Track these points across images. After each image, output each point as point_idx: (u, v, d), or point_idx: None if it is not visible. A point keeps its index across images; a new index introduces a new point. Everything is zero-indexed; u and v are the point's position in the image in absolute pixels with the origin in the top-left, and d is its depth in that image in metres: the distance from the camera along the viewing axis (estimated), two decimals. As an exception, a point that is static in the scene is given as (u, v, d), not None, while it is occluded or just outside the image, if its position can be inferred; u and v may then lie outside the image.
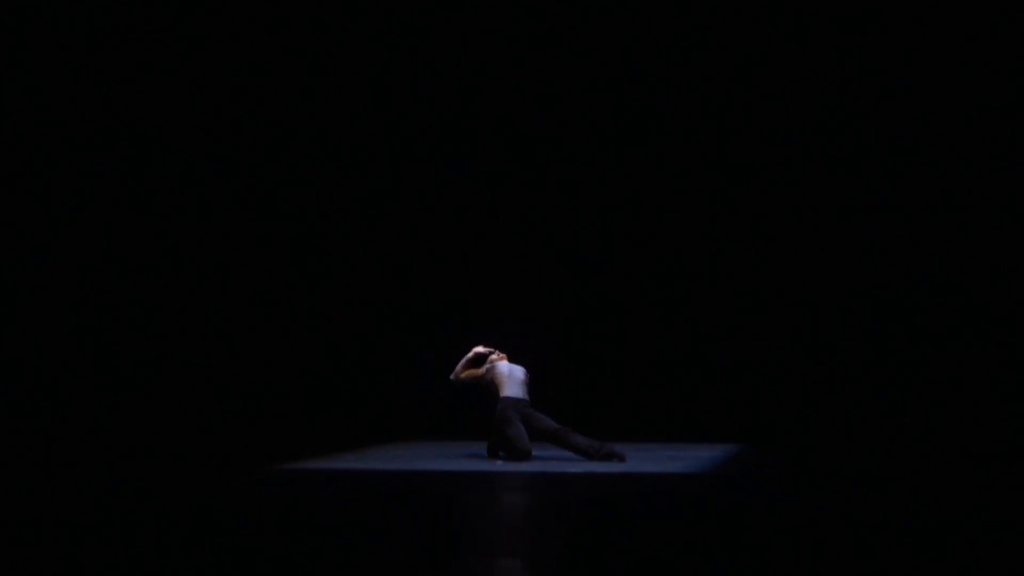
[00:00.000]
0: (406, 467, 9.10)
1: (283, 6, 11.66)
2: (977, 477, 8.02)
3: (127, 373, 10.88)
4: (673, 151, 11.93)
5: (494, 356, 9.79)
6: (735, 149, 11.79)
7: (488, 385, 9.61)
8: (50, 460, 8.97)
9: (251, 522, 6.30)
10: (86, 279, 10.85)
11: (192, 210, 11.39)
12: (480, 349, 9.84)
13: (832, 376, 11.23)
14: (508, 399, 9.41)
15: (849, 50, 11.39)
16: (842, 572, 4.85)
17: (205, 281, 11.34)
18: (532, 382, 9.67)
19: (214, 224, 11.45)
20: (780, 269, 11.55)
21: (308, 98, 11.84)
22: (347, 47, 11.90)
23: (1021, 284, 10.82)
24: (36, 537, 5.63)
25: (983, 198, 10.98)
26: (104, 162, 11.05)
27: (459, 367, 9.80)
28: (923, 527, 5.96)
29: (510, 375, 9.54)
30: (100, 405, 10.56)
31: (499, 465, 9.11)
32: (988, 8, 10.94)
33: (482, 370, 9.72)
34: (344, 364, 11.82)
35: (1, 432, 9.88)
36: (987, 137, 10.99)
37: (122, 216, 11.09)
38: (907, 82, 11.18)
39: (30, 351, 10.56)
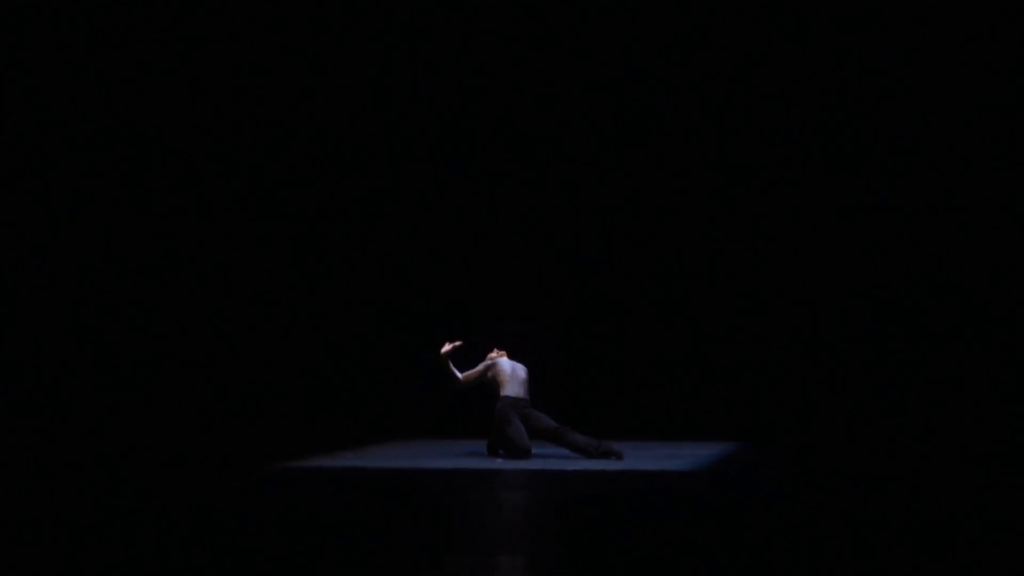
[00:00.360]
0: (407, 465, 9.11)
1: (283, 6, 11.66)
2: (977, 477, 8.02)
3: (127, 373, 10.88)
4: (673, 151, 11.93)
5: (493, 354, 9.78)
6: (735, 149, 11.78)
7: (490, 382, 9.62)
8: (50, 460, 8.98)
9: (251, 521, 6.30)
10: (86, 279, 10.85)
11: (192, 210, 11.39)
12: (447, 349, 9.79)
13: (832, 376, 11.23)
14: (507, 398, 9.43)
15: (849, 50, 11.39)
16: (841, 572, 4.85)
17: (205, 281, 11.33)
18: (532, 380, 9.68)
19: (214, 224, 11.45)
20: (780, 269, 11.54)
21: (308, 98, 11.84)
22: (347, 47, 11.89)
23: (1021, 284, 10.82)
24: (36, 537, 5.63)
25: (983, 198, 10.98)
26: (104, 162, 11.05)
27: (453, 375, 9.79)
28: (923, 527, 5.97)
29: (512, 374, 9.55)
30: (100, 405, 10.56)
31: (499, 463, 9.12)
32: (988, 8, 10.94)
33: (482, 367, 9.71)
34: (344, 364, 11.82)
35: (1, 432, 9.88)
36: (987, 137, 10.99)
37: (122, 216, 11.09)
38: (907, 82, 11.18)
39: (30, 351, 10.56)
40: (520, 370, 9.63)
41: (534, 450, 9.37)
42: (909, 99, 11.17)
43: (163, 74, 11.20)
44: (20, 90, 10.69)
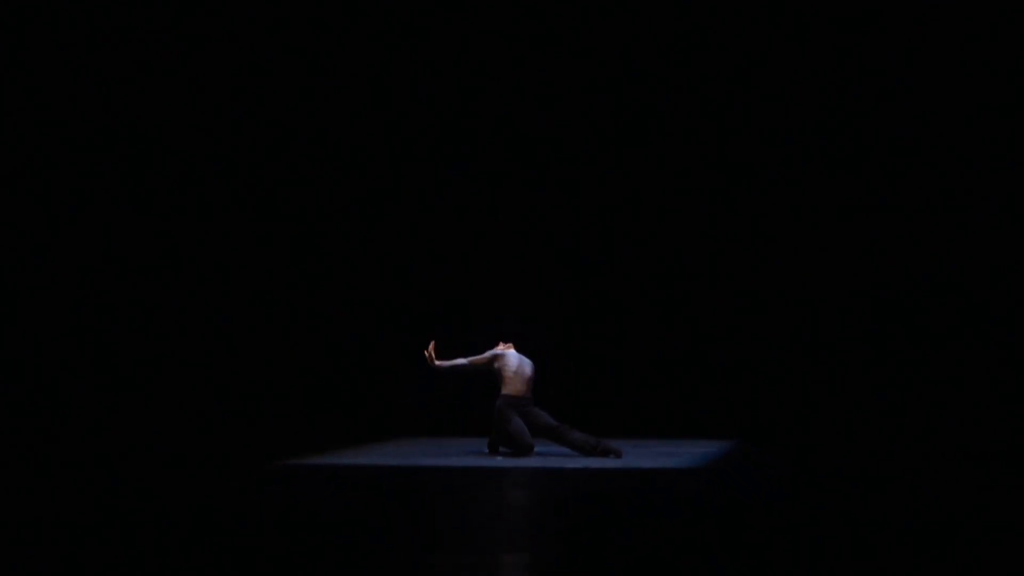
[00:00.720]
0: (407, 463, 9.12)
1: (283, 6, 11.66)
2: (977, 477, 8.02)
3: (127, 373, 10.88)
4: (673, 151, 11.93)
5: (500, 347, 9.76)
6: (735, 149, 11.79)
7: (495, 373, 9.61)
8: (50, 460, 8.98)
9: (253, 518, 6.30)
10: (86, 279, 10.85)
11: (192, 210, 11.39)
12: (430, 356, 9.76)
13: (832, 376, 11.23)
14: (507, 397, 9.44)
15: (849, 50, 11.39)
16: (841, 572, 4.85)
17: (205, 281, 11.33)
18: (537, 378, 9.68)
19: (214, 224, 11.45)
20: (780, 269, 11.54)
21: (308, 98, 11.84)
22: (347, 47, 11.89)
23: (1021, 284, 10.83)
24: (36, 537, 5.63)
25: (983, 198, 10.98)
26: (104, 162, 11.05)
27: (453, 368, 9.78)
28: (923, 527, 5.97)
29: (517, 370, 9.53)
30: (100, 405, 10.55)
31: (499, 460, 9.15)
32: (988, 8, 10.94)
33: (489, 355, 9.68)
34: (344, 364, 11.81)
35: (1, 432, 9.88)
36: (987, 137, 10.99)
37: (122, 216, 11.09)
38: (907, 82, 11.18)
39: (30, 351, 10.56)
40: (527, 367, 9.62)
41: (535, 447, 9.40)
42: (909, 99, 11.17)
43: (163, 74, 11.20)
44: (20, 90, 10.70)
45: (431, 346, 9.77)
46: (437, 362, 9.74)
